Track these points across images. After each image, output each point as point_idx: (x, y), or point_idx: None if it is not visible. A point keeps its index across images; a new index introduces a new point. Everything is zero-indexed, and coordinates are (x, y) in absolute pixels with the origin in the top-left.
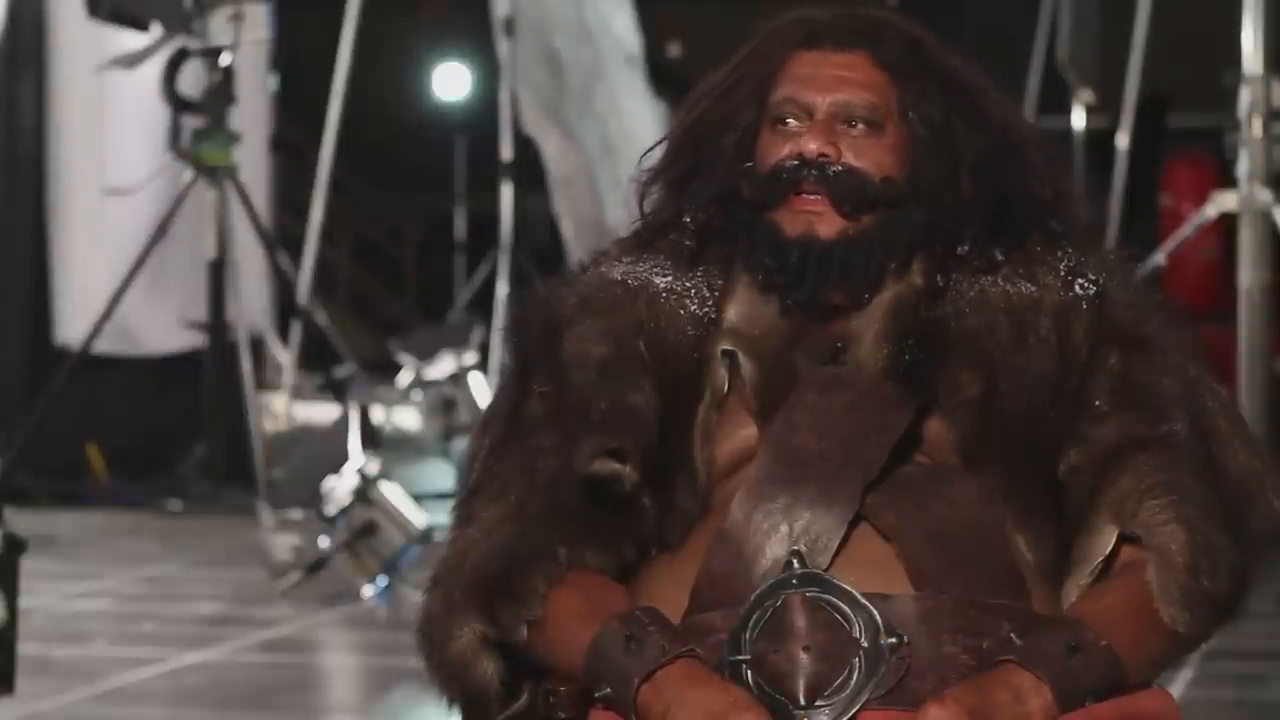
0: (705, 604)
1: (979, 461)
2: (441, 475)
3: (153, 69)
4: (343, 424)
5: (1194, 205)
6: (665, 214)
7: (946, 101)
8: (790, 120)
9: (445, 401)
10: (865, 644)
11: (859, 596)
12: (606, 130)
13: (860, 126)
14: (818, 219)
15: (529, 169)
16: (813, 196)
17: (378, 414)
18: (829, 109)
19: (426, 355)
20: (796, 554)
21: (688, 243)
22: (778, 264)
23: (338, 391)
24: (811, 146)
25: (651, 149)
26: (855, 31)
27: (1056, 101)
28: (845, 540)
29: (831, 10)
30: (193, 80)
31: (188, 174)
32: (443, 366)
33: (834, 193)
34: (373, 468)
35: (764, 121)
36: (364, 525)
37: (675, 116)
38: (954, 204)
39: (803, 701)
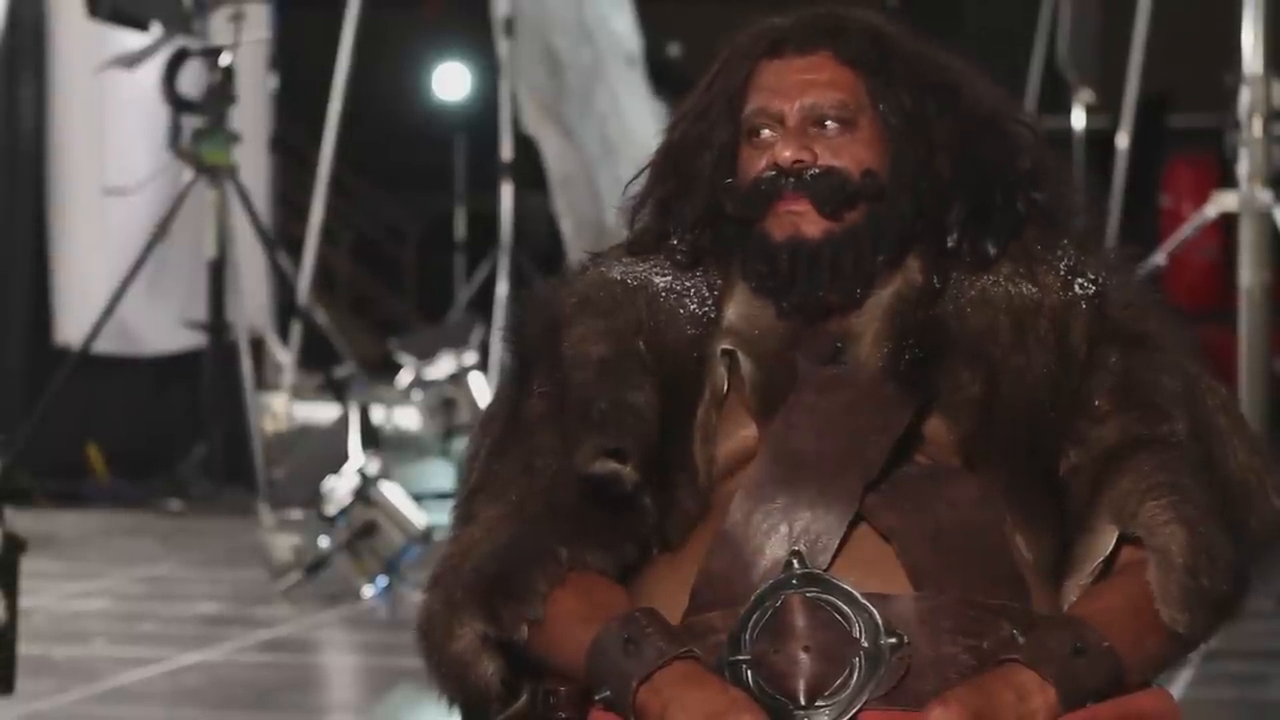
0: (705, 604)
1: (979, 461)
2: (441, 475)
3: (153, 69)
4: (343, 424)
5: (1194, 205)
6: (652, 235)
7: (916, 86)
8: (764, 131)
9: (445, 401)
10: (865, 644)
11: (859, 597)
12: (606, 130)
13: (833, 126)
14: (802, 219)
15: (529, 169)
16: (795, 203)
17: (378, 414)
18: (799, 114)
19: (426, 355)
20: (796, 554)
21: (679, 257)
22: (769, 269)
23: (338, 391)
24: (785, 155)
25: (635, 177)
26: (816, 31)
27: (1056, 101)
28: (845, 540)
29: (791, 14)
30: (193, 80)
31: (188, 174)
32: (443, 366)
33: (814, 196)
34: (373, 467)
35: (740, 137)
36: (364, 525)
37: (658, 141)
38: (934, 188)
39: (803, 702)
